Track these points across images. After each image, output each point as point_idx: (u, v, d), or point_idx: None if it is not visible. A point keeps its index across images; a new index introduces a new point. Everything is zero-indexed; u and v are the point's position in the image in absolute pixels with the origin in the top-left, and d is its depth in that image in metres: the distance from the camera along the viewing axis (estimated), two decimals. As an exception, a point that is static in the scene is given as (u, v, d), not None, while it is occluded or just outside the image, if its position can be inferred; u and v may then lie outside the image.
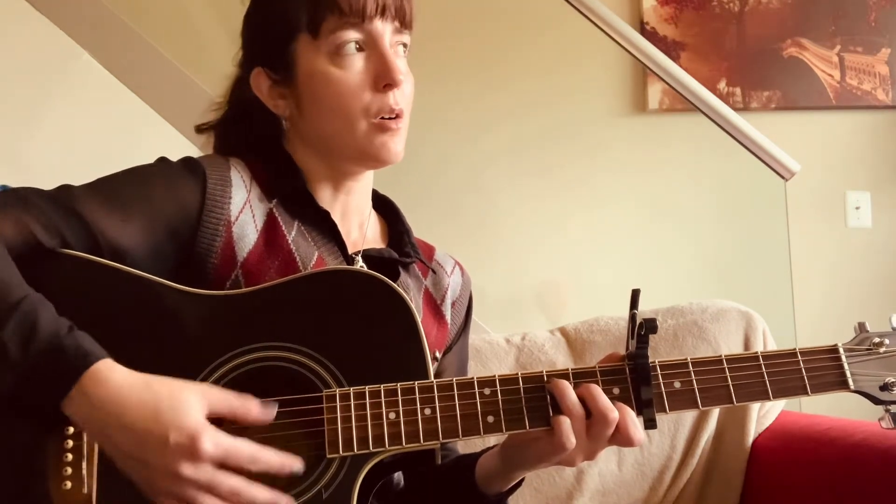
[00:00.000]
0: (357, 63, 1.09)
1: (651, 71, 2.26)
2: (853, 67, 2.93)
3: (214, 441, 0.85)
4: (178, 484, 0.85)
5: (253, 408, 0.90)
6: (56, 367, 0.86)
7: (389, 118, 1.09)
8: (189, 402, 0.86)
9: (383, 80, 1.08)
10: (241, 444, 0.87)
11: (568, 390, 0.96)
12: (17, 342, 0.85)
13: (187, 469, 0.84)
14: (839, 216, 2.89)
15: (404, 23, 1.12)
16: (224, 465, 0.86)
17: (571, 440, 0.95)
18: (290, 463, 0.89)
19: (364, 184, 1.19)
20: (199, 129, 1.23)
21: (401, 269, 1.18)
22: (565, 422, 0.95)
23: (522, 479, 1.12)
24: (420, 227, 1.26)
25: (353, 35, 1.08)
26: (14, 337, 0.85)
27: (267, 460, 0.88)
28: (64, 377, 0.86)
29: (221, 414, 0.88)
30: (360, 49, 1.09)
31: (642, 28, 2.83)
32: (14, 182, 1.19)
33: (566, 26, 2.43)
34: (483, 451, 1.15)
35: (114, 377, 0.87)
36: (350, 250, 1.15)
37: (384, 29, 1.10)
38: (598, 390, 0.96)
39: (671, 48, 2.83)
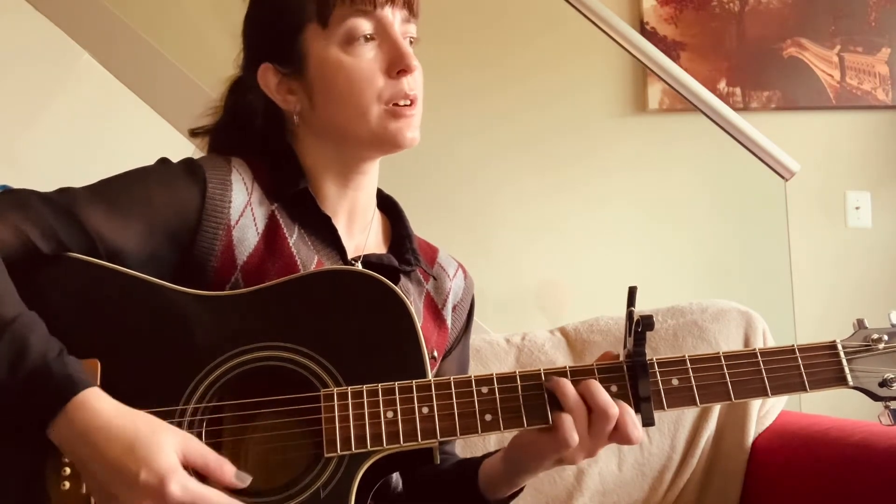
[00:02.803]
0: (369, 50, 1.09)
1: (651, 71, 2.26)
2: (853, 67, 2.92)
3: (182, 485, 0.84)
4: None
5: (227, 470, 0.89)
6: (42, 394, 0.86)
7: (404, 105, 1.09)
8: (165, 444, 0.86)
9: (397, 66, 1.08)
10: (211, 492, 0.86)
11: (569, 388, 0.96)
12: (6, 365, 0.85)
13: None
14: (839, 216, 2.89)
15: (412, 11, 1.12)
16: None
17: (574, 437, 0.95)
18: None
19: (371, 180, 1.18)
20: (194, 133, 1.22)
21: (400, 276, 1.17)
22: (567, 418, 0.95)
23: (523, 487, 1.11)
24: (420, 227, 1.26)
25: (363, 23, 1.08)
26: (3, 359, 0.85)
27: None
28: (49, 405, 0.85)
29: (195, 465, 0.88)
30: (371, 37, 1.09)
31: (642, 28, 2.83)
32: (13, 182, 1.19)
33: (566, 26, 2.43)
34: (485, 456, 1.14)
35: (97, 408, 0.86)
36: (352, 253, 1.14)
37: (395, 16, 1.10)
38: (597, 386, 0.96)
39: (671, 48, 2.83)
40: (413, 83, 1.10)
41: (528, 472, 1.06)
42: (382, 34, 1.09)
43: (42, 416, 0.86)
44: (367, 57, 1.08)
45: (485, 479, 1.11)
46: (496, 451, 1.12)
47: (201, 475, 0.88)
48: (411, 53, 1.09)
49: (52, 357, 0.87)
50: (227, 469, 0.89)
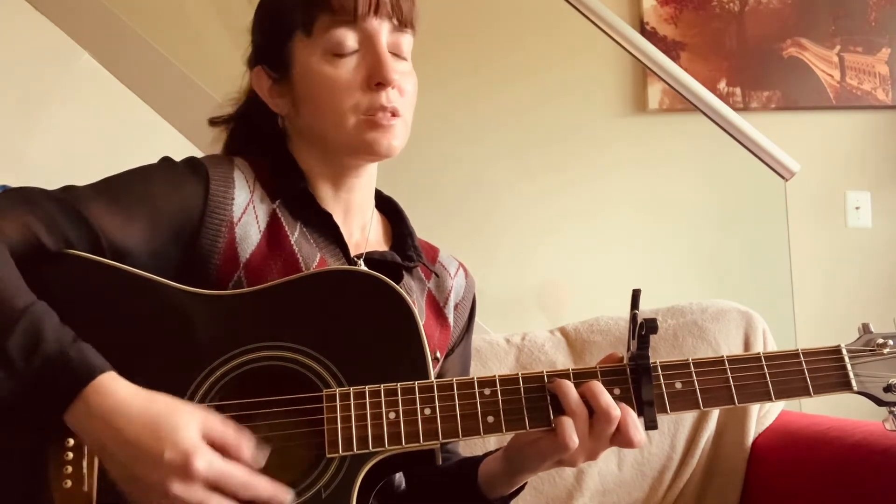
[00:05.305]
0: (350, 61, 1.09)
1: (651, 71, 2.26)
2: (853, 67, 2.93)
3: (208, 462, 0.85)
4: (169, 502, 0.84)
5: (246, 447, 0.89)
6: (60, 379, 0.86)
7: (381, 116, 1.09)
8: (187, 422, 0.86)
9: (375, 78, 1.08)
10: (235, 469, 0.86)
11: (570, 389, 0.96)
12: (22, 352, 0.85)
13: (178, 488, 0.84)
14: (839, 216, 2.89)
15: (402, 20, 1.11)
16: (216, 487, 0.85)
17: (574, 440, 0.94)
18: (282, 494, 0.88)
19: (365, 182, 1.18)
20: (213, 122, 1.23)
21: (403, 273, 1.18)
22: (567, 421, 0.95)
23: (525, 484, 1.11)
24: (421, 227, 1.26)
25: (346, 33, 1.08)
26: (18, 346, 0.85)
27: (258, 489, 0.87)
28: (67, 389, 0.86)
29: (215, 442, 0.88)
30: (355, 48, 1.09)
31: (642, 28, 2.83)
32: (14, 182, 1.19)
33: (566, 26, 2.43)
34: (486, 455, 1.14)
35: (116, 391, 0.87)
36: (353, 252, 1.14)
37: (380, 27, 1.10)
38: (600, 388, 0.96)
39: (671, 48, 2.83)
40: (394, 96, 1.09)
41: (527, 472, 1.07)
42: (366, 45, 1.09)
43: (59, 402, 0.86)
44: (348, 68, 1.08)
45: (484, 478, 1.11)
46: (497, 450, 1.12)
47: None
48: (392, 66, 1.08)
49: (67, 343, 0.87)
50: (244, 449, 0.88)
